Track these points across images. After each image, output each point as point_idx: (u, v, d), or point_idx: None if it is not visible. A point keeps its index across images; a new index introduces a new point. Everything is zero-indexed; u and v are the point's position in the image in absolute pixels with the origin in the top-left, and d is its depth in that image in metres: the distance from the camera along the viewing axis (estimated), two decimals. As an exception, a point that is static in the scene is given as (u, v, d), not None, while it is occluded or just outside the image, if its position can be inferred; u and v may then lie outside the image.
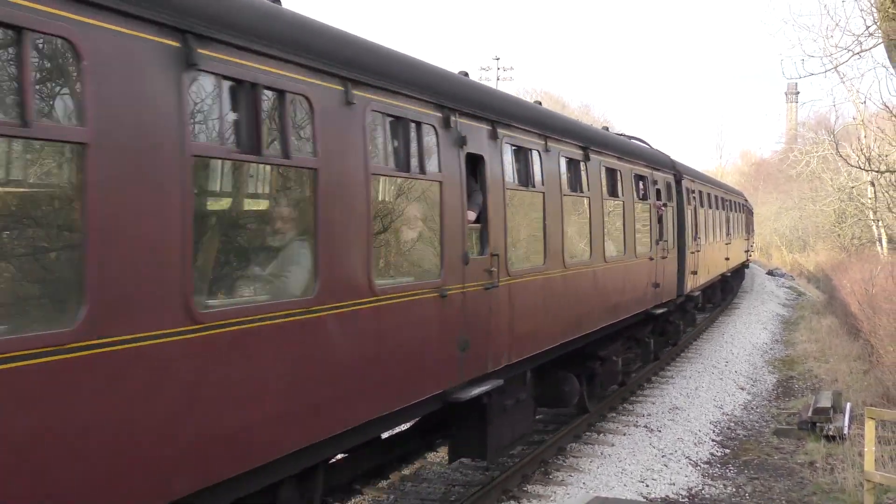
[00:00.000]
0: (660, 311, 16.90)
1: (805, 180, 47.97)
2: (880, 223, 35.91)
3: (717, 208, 27.50)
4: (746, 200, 44.71)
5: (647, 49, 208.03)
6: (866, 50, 15.69)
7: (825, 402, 14.56)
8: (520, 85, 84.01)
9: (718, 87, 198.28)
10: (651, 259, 16.06)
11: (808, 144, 44.42)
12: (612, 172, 13.82)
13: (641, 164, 15.90)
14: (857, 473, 11.10)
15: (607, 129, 17.60)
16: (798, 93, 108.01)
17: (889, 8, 12.98)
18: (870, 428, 9.75)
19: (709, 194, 25.39)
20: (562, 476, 11.68)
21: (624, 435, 13.92)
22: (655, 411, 15.69)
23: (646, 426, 14.58)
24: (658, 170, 17.38)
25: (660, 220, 17.04)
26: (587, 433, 13.93)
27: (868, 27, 15.36)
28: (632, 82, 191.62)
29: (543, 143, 10.61)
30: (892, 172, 26.94)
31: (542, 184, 10.63)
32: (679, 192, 19.52)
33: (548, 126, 11.03)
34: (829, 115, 39.40)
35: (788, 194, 59.51)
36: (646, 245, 15.98)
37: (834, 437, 13.51)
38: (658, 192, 17.15)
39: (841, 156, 28.63)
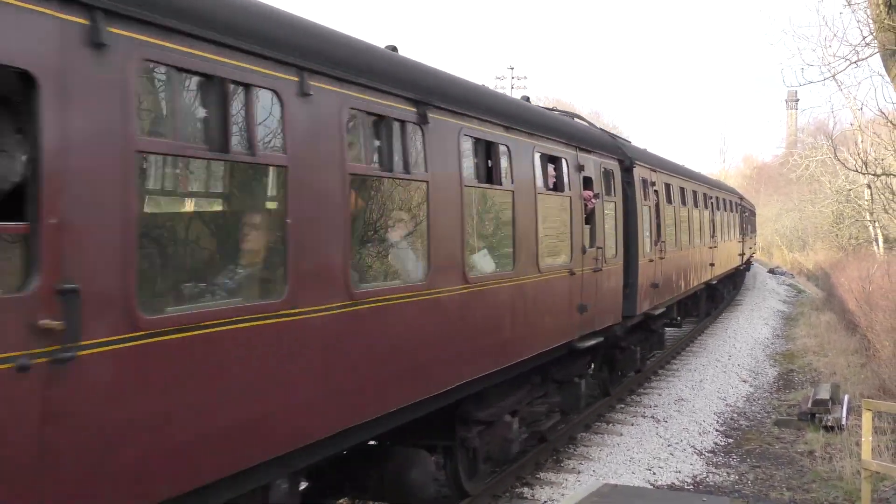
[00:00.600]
0: (590, 342, 11.64)
1: (804, 183, 47.71)
2: (876, 224, 35.68)
3: (697, 206, 21.65)
4: (742, 199, 37.49)
5: (655, 59, 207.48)
6: (863, 59, 15.55)
7: (824, 394, 14.48)
8: (532, 93, 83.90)
9: (722, 95, 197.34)
10: (572, 274, 10.94)
11: (808, 149, 44.17)
12: (486, 147, 8.81)
13: (553, 139, 10.65)
14: (854, 462, 11.03)
15: (528, 98, 12.28)
16: (798, 100, 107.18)
17: (885, 19, 12.86)
18: (867, 419, 9.69)
19: (682, 189, 19.55)
20: (573, 464, 11.66)
21: (632, 425, 13.88)
22: (662, 402, 15.63)
23: (653, 416, 14.52)
24: (589, 151, 12.02)
25: (589, 220, 12.01)
26: (597, 423, 13.90)
27: (865, 38, 15.25)
28: (639, 90, 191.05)
29: (297, 80, 5.79)
30: (887, 175, 26.75)
31: (286, 151, 5.68)
32: (629, 184, 14.07)
33: (306, 51, 5.93)
34: (828, 121, 39.15)
35: (789, 196, 59.18)
36: (562, 254, 10.97)
37: (832, 428, 13.43)
38: (587, 181, 11.96)
39: (839, 160, 28.46)
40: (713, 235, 24.43)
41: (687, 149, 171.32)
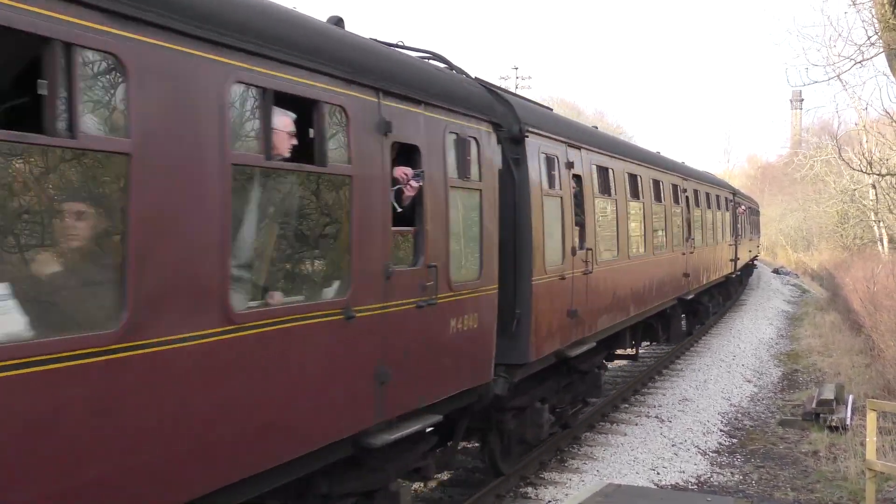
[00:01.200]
0: (401, 433, 6.83)
1: (809, 183, 47.56)
2: (881, 224, 35.59)
3: (661, 200, 16.48)
4: (736, 194, 31.31)
5: (659, 59, 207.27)
6: (868, 59, 15.53)
7: (828, 394, 14.46)
8: (537, 93, 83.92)
9: (726, 95, 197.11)
10: (350, 318, 6.12)
11: (812, 149, 44.05)
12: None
13: (295, 65, 5.61)
14: (858, 462, 11.02)
15: (341, 23, 7.04)
16: (802, 100, 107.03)
17: (890, 19, 12.85)
18: (871, 419, 9.68)
19: (634, 176, 14.41)
20: (577, 464, 11.65)
21: (636, 425, 13.86)
22: (666, 402, 15.61)
23: (657, 416, 14.51)
24: (413, 102, 7.16)
25: (410, 218, 7.16)
26: (600, 423, 13.89)
27: (869, 37, 15.24)
28: (644, 91, 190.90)
29: None
30: (892, 175, 26.68)
31: None
32: (517, 162, 9.38)
33: None
34: (832, 120, 39.13)
35: (793, 196, 59.06)
36: (325, 282, 6.27)
37: (837, 428, 13.42)
38: (408, 151, 7.19)
39: (843, 160, 28.36)
40: (689, 238, 19.27)
41: (691, 149, 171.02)
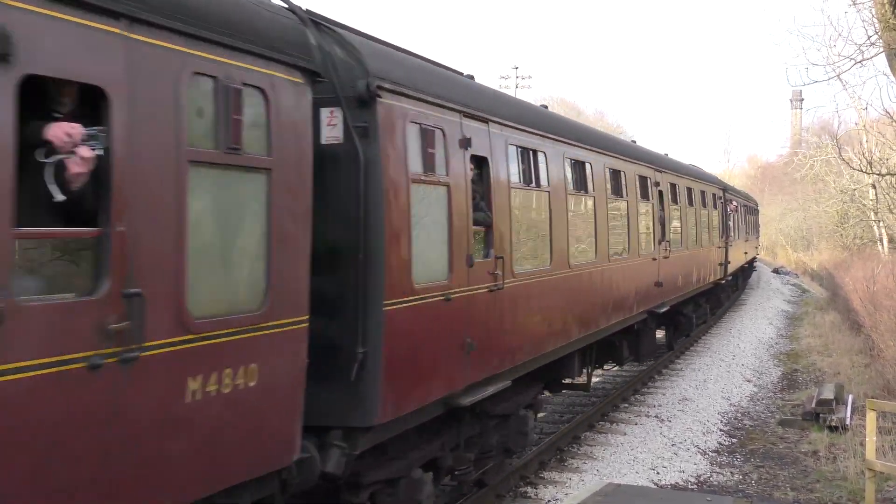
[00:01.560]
0: None
1: (809, 183, 47.55)
2: (881, 224, 35.61)
3: (623, 196, 13.74)
4: (727, 190, 28.08)
5: (659, 59, 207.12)
6: (868, 59, 15.57)
7: (828, 393, 14.47)
8: (537, 93, 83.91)
9: (726, 95, 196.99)
10: None
11: (812, 149, 44.03)
12: None
13: None
14: (858, 462, 11.02)
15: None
16: (802, 99, 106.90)
17: (890, 19, 12.88)
18: (871, 419, 9.69)
19: (580, 164, 11.59)
20: (576, 463, 11.66)
21: (636, 424, 13.87)
22: (666, 402, 15.62)
23: (657, 416, 14.52)
24: (57, 3, 3.92)
25: (99, 211, 4.28)
26: (600, 423, 13.90)
27: (870, 37, 15.27)
28: (644, 90, 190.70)
29: None
30: (892, 175, 26.71)
31: None
32: (364, 133, 6.47)
33: None
34: (832, 120, 38.98)
35: (793, 196, 59.05)
36: None
37: (836, 428, 13.43)
38: (82, 98, 4.34)
39: (843, 159, 28.38)
40: (662, 240, 16.36)
41: (691, 149, 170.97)
